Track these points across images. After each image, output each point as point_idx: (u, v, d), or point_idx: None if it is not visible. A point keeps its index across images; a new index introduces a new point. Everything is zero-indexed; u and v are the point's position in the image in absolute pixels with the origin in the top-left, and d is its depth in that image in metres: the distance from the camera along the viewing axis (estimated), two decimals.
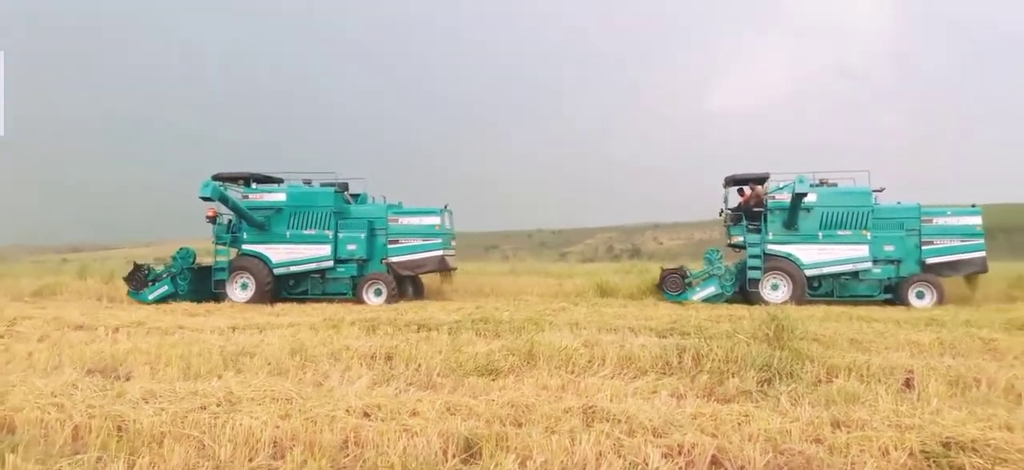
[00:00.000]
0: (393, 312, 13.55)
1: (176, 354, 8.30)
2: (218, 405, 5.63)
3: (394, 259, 18.60)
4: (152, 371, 7.52)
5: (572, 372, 7.48)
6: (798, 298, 17.62)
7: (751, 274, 18.20)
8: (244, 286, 18.26)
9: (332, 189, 18.96)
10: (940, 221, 18.17)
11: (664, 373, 7.43)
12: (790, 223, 18.25)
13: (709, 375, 7.08)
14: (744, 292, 18.47)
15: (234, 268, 18.43)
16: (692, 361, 7.63)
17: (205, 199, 17.51)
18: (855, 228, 18.11)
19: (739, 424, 5.28)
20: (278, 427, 5.06)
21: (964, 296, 18.11)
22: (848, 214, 18.19)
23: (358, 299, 18.06)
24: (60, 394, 5.85)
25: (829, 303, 17.61)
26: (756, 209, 18.94)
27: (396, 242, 18.68)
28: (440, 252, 18.57)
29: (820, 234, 18.19)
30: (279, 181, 19.55)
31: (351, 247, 18.54)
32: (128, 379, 7.09)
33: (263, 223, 18.59)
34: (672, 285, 18.55)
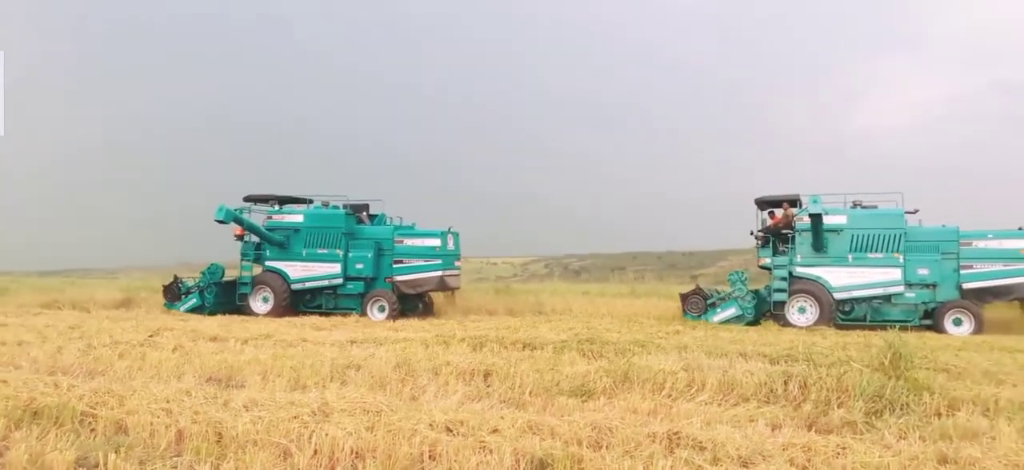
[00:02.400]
0: (505, 330, 13.65)
1: (289, 366, 8.71)
2: (311, 415, 5.86)
3: (397, 278, 19.47)
4: (263, 381, 7.92)
5: (669, 396, 7.29)
6: (826, 322, 16.99)
7: (776, 296, 17.88)
8: (265, 299, 19.71)
9: (343, 211, 20.20)
10: (980, 244, 17.05)
11: (767, 401, 7.10)
12: (817, 245, 17.67)
13: (813, 405, 6.71)
14: (772, 315, 17.91)
15: (256, 283, 19.97)
16: (798, 389, 7.25)
17: (219, 222, 18.86)
18: (887, 251, 17.32)
19: (834, 457, 4.97)
20: (361, 438, 5.20)
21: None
22: (879, 236, 17.43)
23: (363, 314, 19.03)
24: (172, 400, 6.27)
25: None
26: (785, 231, 18.45)
27: (400, 262, 19.54)
28: (440, 272, 19.32)
29: (850, 257, 17.54)
30: (308, 202, 20.95)
31: (359, 266, 19.73)
32: (241, 388, 7.52)
33: (282, 242, 20.01)
34: (693, 306, 18.54)
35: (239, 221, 19.53)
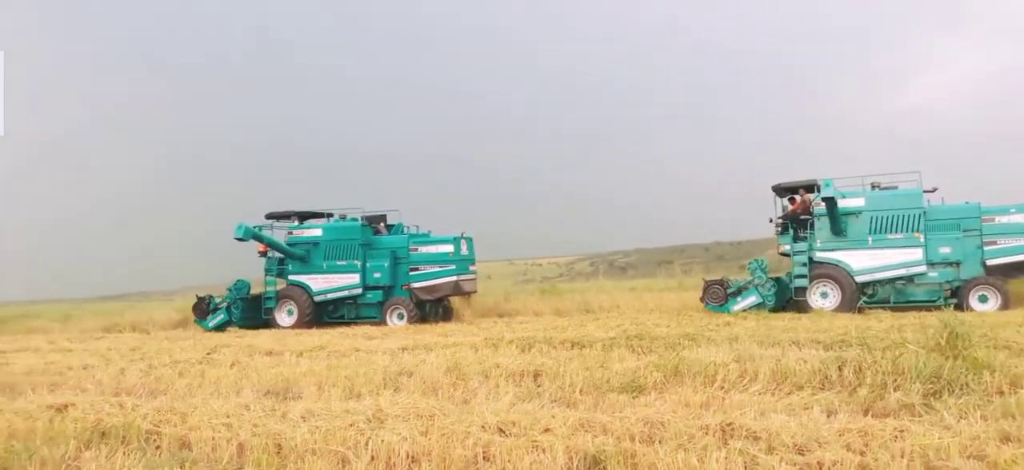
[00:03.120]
0: (552, 330, 13.68)
1: (343, 375, 8.87)
2: (366, 422, 5.96)
3: (414, 285, 20.07)
4: (319, 392, 8.07)
5: (721, 388, 7.24)
6: (848, 306, 16.97)
7: (797, 282, 17.93)
8: (290, 313, 20.45)
9: (359, 223, 20.86)
10: (1003, 220, 16.83)
11: (821, 388, 7.01)
12: (835, 229, 17.62)
13: (869, 389, 6.59)
14: (794, 302, 17.98)
15: (281, 297, 20.72)
16: (853, 374, 7.13)
17: (239, 239, 19.56)
18: (907, 231, 17.21)
19: (892, 440, 4.89)
20: (416, 443, 5.29)
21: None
22: (899, 217, 17.34)
23: (383, 322, 19.57)
24: (232, 415, 6.44)
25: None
26: (803, 217, 18.46)
27: (416, 269, 20.15)
28: (454, 277, 19.87)
29: (870, 239, 17.49)
30: (327, 216, 21.61)
31: (377, 275, 20.36)
32: (297, 399, 7.68)
33: (303, 256, 20.75)
34: (713, 296, 18.60)
35: (258, 238, 20.33)
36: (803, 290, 17.81)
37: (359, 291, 20.42)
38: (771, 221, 19.42)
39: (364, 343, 13.67)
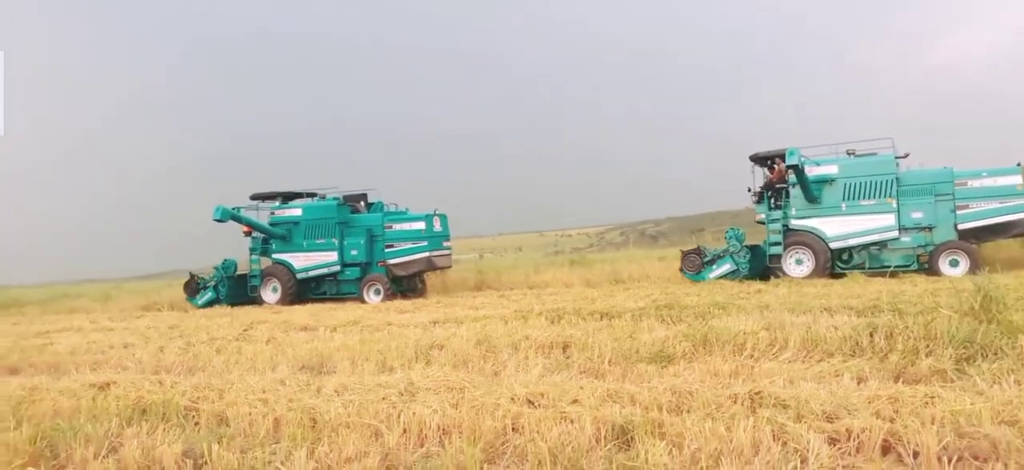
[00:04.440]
0: (582, 301, 13.71)
1: (376, 349, 9.00)
2: (399, 396, 6.07)
3: (390, 261, 20.70)
4: (352, 366, 8.21)
5: (751, 357, 7.23)
6: (821, 271, 17.27)
7: (772, 250, 18.22)
8: (274, 290, 21.30)
9: (336, 202, 21.57)
10: (975, 184, 16.96)
11: (852, 355, 6.98)
12: (808, 196, 17.85)
13: (900, 355, 6.54)
14: (770, 269, 18.20)
15: (265, 275, 21.63)
16: (884, 340, 7.08)
17: (218, 221, 20.36)
18: (879, 197, 17.43)
19: (922, 406, 4.86)
20: (446, 415, 5.37)
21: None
22: (871, 183, 17.56)
23: (360, 299, 20.11)
24: (268, 390, 6.58)
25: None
26: (779, 186, 18.71)
27: (391, 246, 20.81)
28: (427, 253, 20.55)
29: (843, 206, 17.74)
30: (312, 196, 22.40)
31: (354, 252, 21.06)
32: (331, 374, 7.82)
33: (284, 235, 21.60)
34: (690, 265, 19.04)
35: (237, 218, 21.16)
36: (778, 257, 18.12)
37: (338, 268, 21.26)
38: (749, 190, 19.72)
39: (396, 317, 13.82)
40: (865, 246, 17.80)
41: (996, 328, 6.61)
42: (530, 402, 5.61)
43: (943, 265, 16.58)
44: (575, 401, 5.51)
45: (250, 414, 5.84)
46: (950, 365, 5.97)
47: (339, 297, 21.30)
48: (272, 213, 22.16)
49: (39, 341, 13.44)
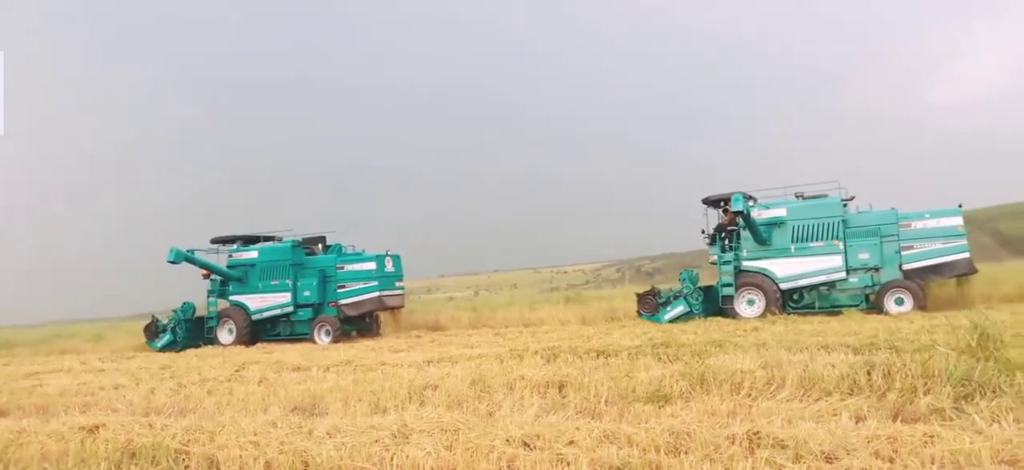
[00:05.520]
0: (578, 339, 13.65)
1: (369, 390, 8.92)
2: (391, 438, 5.99)
3: (342, 302, 21.15)
4: (345, 407, 8.12)
5: (748, 396, 7.18)
6: (772, 311, 17.60)
7: (725, 291, 18.59)
8: (230, 331, 21.58)
9: (290, 244, 22.03)
10: (919, 225, 17.49)
11: (850, 393, 6.93)
12: (758, 239, 18.29)
13: (898, 393, 6.50)
14: (723, 310, 18.59)
15: (221, 316, 21.98)
16: (882, 378, 7.04)
17: (172, 262, 20.62)
18: (827, 239, 17.91)
19: (922, 446, 4.83)
20: (440, 458, 5.31)
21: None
22: (819, 226, 18.04)
23: (311, 339, 20.40)
24: (259, 432, 6.49)
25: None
26: (731, 228, 19.18)
27: (343, 286, 21.24)
28: (378, 293, 20.90)
29: (792, 247, 18.18)
30: (271, 239, 22.84)
31: (306, 293, 21.44)
32: (324, 415, 7.73)
33: (240, 277, 22.04)
34: (646, 306, 19.34)
35: (190, 260, 21.49)
36: (730, 298, 18.48)
37: (291, 309, 21.60)
38: (702, 232, 20.17)
39: (390, 356, 13.75)
40: (814, 286, 18.23)
41: (994, 365, 6.58)
42: (525, 444, 5.54)
43: (889, 303, 17.00)
44: (571, 442, 5.45)
45: (241, 457, 5.76)
46: (949, 403, 5.94)
47: (293, 338, 21.66)
48: (230, 256, 22.65)
49: (29, 382, 13.31)
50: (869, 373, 7.19)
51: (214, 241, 22.90)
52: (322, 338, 20.39)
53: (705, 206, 19.96)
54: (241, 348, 19.64)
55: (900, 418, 5.86)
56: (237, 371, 12.67)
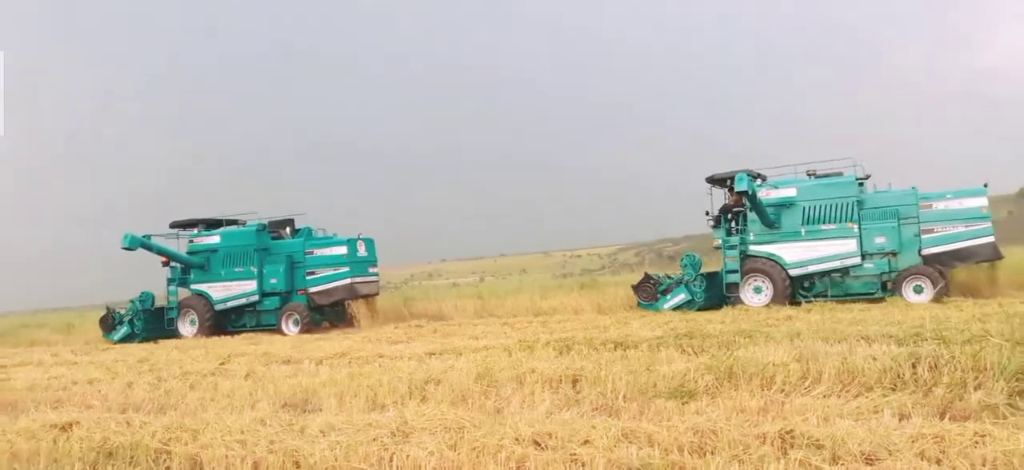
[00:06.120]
0: (593, 329, 13.68)
1: (366, 385, 8.98)
2: (390, 436, 6.03)
3: (311, 289, 21.12)
4: (340, 403, 8.18)
5: (781, 391, 7.19)
6: (781, 300, 17.43)
7: (729, 278, 18.42)
8: (192, 322, 21.67)
9: (254, 228, 21.93)
10: (940, 206, 17.21)
11: (893, 388, 6.94)
12: (765, 221, 18.15)
13: (946, 388, 6.51)
14: (727, 298, 18.43)
15: (182, 307, 22.01)
16: (928, 372, 7.04)
17: (127, 249, 20.74)
18: (840, 221, 17.67)
19: (972, 446, 4.83)
20: (444, 458, 5.34)
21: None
22: (832, 207, 17.81)
23: (279, 330, 20.40)
24: (246, 431, 6.54)
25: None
26: (737, 210, 19.09)
27: (312, 273, 21.20)
28: (349, 280, 20.89)
29: (803, 230, 17.99)
30: (235, 223, 22.88)
31: (273, 280, 21.44)
32: (317, 412, 7.79)
33: (202, 264, 22.06)
34: (644, 293, 19.23)
35: (146, 247, 21.54)
36: (735, 286, 18.35)
37: (256, 298, 21.64)
38: (706, 214, 20.03)
39: (388, 348, 13.80)
40: (826, 273, 18.07)
41: None
42: (537, 443, 5.57)
43: (907, 292, 16.82)
44: (586, 442, 5.47)
45: (227, 456, 5.82)
46: (1002, 399, 5.94)
47: (259, 328, 21.67)
48: (190, 241, 22.74)
49: None
50: (914, 366, 7.20)
51: (173, 225, 22.95)
52: (290, 328, 20.53)
53: (709, 185, 19.85)
54: (226, 339, 19.70)
55: (948, 416, 5.87)
56: (222, 364, 12.75)
